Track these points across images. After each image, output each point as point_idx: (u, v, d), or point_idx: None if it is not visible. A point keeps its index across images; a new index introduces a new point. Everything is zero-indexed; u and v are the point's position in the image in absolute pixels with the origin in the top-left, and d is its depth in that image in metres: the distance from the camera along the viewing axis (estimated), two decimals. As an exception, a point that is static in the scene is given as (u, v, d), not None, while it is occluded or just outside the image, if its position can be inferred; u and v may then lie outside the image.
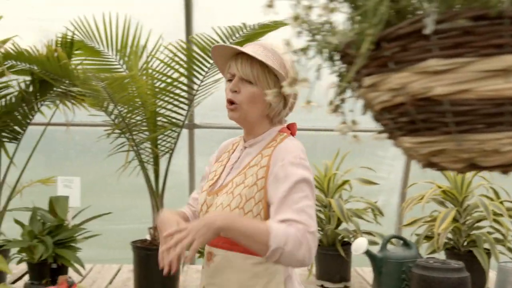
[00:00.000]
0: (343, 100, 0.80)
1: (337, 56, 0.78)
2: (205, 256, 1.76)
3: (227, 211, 1.65)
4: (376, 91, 0.73)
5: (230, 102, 1.71)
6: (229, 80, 1.73)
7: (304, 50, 0.77)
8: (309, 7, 0.75)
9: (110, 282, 3.85)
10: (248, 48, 1.70)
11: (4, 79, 3.66)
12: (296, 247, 1.49)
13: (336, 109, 0.81)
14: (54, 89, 3.82)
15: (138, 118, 3.69)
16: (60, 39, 3.75)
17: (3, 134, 3.73)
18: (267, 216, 1.63)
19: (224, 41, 3.34)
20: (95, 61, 3.97)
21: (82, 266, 3.18)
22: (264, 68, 1.68)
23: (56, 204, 3.12)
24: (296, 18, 0.75)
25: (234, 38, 3.32)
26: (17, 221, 3.27)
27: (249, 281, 1.65)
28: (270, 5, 0.78)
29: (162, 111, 3.72)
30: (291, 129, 1.79)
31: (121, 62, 3.95)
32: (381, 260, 3.62)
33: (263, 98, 1.68)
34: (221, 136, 4.67)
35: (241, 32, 3.31)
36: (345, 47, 0.74)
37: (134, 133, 3.67)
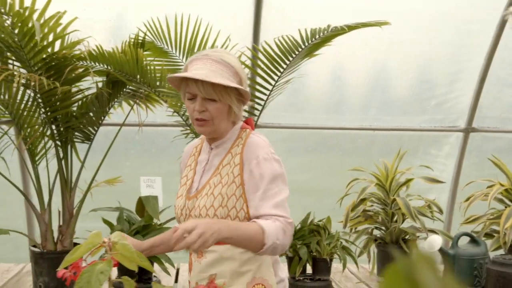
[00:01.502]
0: None
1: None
2: (192, 254, 1.86)
3: (215, 215, 1.76)
4: None
5: (199, 119, 1.79)
6: (190, 99, 1.80)
7: None
8: None
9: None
10: (202, 71, 1.75)
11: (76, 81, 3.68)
12: (284, 239, 1.69)
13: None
14: (124, 89, 3.85)
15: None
16: (132, 40, 3.78)
17: (76, 134, 3.76)
18: (249, 210, 1.77)
19: (304, 43, 3.38)
20: (162, 62, 4.00)
21: (173, 265, 3.22)
22: (223, 79, 1.75)
23: (147, 204, 3.15)
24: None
25: (313, 40, 3.35)
26: (105, 221, 3.30)
27: (241, 268, 1.79)
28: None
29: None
30: (249, 124, 1.91)
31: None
32: (453, 257, 3.68)
33: (228, 109, 1.79)
34: (279, 136, 4.72)
35: (321, 34, 3.35)
36: None
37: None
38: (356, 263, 3.72)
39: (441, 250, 3.65)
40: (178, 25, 3.85)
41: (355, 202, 4.20)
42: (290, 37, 3.34)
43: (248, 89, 1.88)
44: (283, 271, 1.97)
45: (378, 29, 3.33)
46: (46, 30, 3.19)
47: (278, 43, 3.37)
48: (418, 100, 4.79)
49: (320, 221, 3.54)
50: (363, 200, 4.32)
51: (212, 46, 3.99)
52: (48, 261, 3.55)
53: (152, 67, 3.56)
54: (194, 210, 1.81)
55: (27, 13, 3.01)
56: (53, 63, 3.34)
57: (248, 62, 3.82)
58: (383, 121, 4.75)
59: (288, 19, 4.19)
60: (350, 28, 3.17)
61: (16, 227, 3.83)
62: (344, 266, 3.46)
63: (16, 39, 3.11)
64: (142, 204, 3.33)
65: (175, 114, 3.78)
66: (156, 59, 4.00)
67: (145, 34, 3.82)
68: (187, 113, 3.83)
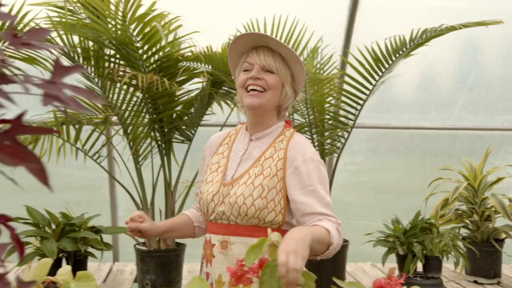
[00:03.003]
0: None
1: None
2: (214, 245, 1.83)
3: (252, 205, 1.75)
4: None
5: (253, 89, 1.81)
6: (245, 70, 1.83)
7: None
8: None
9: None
10: (277, 40, 1.81)
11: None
12: (339, 238, 1.70)
13: None
14: (220, 90, 3.91)
15: (310, 118, 3.77)
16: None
17: (176, 135, 3.82)
18: (286, 205, 1.78)
19: (411, 42, 3.41)
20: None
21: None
22: (283, 61, 1.81)
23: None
24: None
25: (421, 39, 3.38)
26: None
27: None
28: None
29: (335, 111, 3.80)
30: (290, 125, 1.92)
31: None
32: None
33: (281, 88, 1.82)
34: (361, 136, 4.75)
35: (428, 34, 3.37)
36: None
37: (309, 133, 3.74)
38: (466, 261, 3.71)
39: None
40: (275, 26, 3.90)
41: (445, 200, 4.21)
42: (399, 36, 3.37)
43: (300, 87, 1.90)
44: None
45: (467, 29, 3.35)
46: (165, 31, 3.25)
47: (387, 42, 3.41)
48: (504, 100, 4.80)
49: (429, 219, 3.55)
50: (446, 199, 4.33)
51: (305, 47, 4.04)
52: (155, 259, 3.61)
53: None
54: (228, 197, 1.80)
55: (149, 17, 3.07)
56: (166, 64, 3.41)
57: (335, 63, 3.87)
58: (467, 120, 4.76)
59: (380, 20, 4.22)
60: (465, 26, 3.19)
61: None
62: (457, 264, 3.47)
63: (135, 41, 3.18)
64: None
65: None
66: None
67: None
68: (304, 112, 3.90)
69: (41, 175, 0.64)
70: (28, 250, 3.02)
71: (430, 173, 4.52)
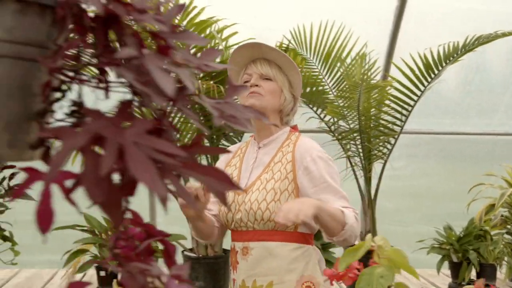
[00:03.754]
0: None
1: None
2: (237, 252, 1.90)
3: (267, 209, 1.81)
4: None
5: (251, 92, 1.89)
6: (245, 82, 1.92)
7: None
8: None
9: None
10: (270, 47, 1.91)
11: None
12: (358, 226, 1.77)
13: None
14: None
15: (356, 124, 3.76)
16: (277, 47, 3.84)
17: (222, 141, 3.82)
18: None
19: (464, 48, 3.40)
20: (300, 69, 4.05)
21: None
22: (279, 69, 1.92)
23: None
24: None
25: (475, 43, 3.37)
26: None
27: (290, 266, 1.83)
28: None
29: (382, 117, 3.79)
30: (296, 130, 1.99)
31: (323, 69, 4.02)
32: None
33: (280, 93, 1.91)
34: (401, 141, 4.73)
35: (471, 45, 3.36)
36: None
37: (358, 139, 3.73)
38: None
39: None
40: (321, 32, 3.90)
41: (489, 206, 4.19)
42: (453, 42, 3.36)
43: (298, 93, 1.97)
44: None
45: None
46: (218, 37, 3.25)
47: (440, 49, 3.40)
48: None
49: (482, 226, 3.53)
50: (491, 205, 4.30)
51: (349, 53, 4.03)
52: (204, 266, 3.61)
53: (307, 74, 3.62)
54: (244, 205, 1.85)
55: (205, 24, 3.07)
56: (216, 71, 3.41)
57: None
58: (508, 125, 4.73)
59: (425, 26, 4.21)
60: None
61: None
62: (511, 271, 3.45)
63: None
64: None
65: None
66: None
67: (289, 42, 3.87)
68: (331, 119, 3.90)
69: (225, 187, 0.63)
70: (86, 257, 3.01)
71: (470, 178, 4.50)
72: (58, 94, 0.75)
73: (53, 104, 0.74)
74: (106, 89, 0.72)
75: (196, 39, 0.72)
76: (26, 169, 0.65)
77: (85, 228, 3.12)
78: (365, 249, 1.54)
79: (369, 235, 1.54)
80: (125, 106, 0.65)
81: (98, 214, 3.24)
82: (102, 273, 2.85)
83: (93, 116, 0.60)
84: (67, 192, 0.63)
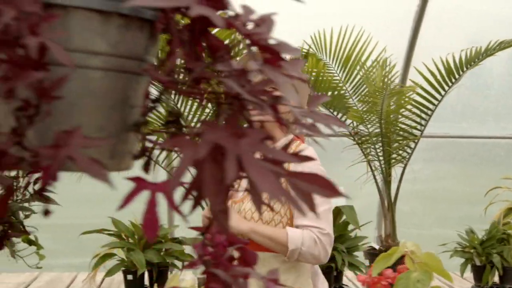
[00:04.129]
0: None
1: None
2: None
3: (260, 219, 1.83)
4: None
5: None
6: None
7: None
8: None
9: None
10: None
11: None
12: (312, 246, 1.74)
13: None
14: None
15: (375, 128, 3.78)
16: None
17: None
18: (292, 216, 1.83)
19: (486, 52, 3.42)
20: (317, 73, 4.07)
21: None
22: None
23: (347, 214, 3.21)
24: None
25: (498, 47, 3.39)
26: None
27: (281, 277, 1.81)
28: None
29: (403, 121, 3.81)
30: (300, 138, 1.97)
31: (342, 74, 4.04)
32: None
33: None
34: (418, 145, 4.74)
35: (492, 50, 3.38)
36: None
37: (378, 143, 3.76)
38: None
39: None
40: (341, 37, 3.92)
41: (508, 210, 4.20)
42: (476, 47, 3.38)
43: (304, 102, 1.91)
44: (324, 284, 1.99)
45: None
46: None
47: (462, 54, 3.41)
48: None
49: (505, 230, 3.55)
50: (509, 208, 4.31)
51: (368, 58, 4.05)
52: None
53: (325, 78, 3.64)
54: (239, 214, 1.86)
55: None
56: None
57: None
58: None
59: (442, 31, 4.23)
60: None
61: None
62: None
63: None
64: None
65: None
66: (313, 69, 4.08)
67: (310, 46, 3.90)
68: (351, 123, 3.92)
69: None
70: (113, 262, 3.03)
71: (486, 182, 4.51)
72: (152, 105, 0.77)
73: (148, 114, 0.77)
74: (201, 99, 0.74)
75: (292, 50, 0.74)
76: (134, 179, 0.67)
77: (112, 232, 3.14)
78: (398, 255, 1.56)
79: (402, 241, 1.56)
80: (234, 116, 0.67)
81: (125, 218, 3.26)
82: (130, 277, 2.87)
83: (209, 127, 0.62)
84: (172, 201, 0.66)
